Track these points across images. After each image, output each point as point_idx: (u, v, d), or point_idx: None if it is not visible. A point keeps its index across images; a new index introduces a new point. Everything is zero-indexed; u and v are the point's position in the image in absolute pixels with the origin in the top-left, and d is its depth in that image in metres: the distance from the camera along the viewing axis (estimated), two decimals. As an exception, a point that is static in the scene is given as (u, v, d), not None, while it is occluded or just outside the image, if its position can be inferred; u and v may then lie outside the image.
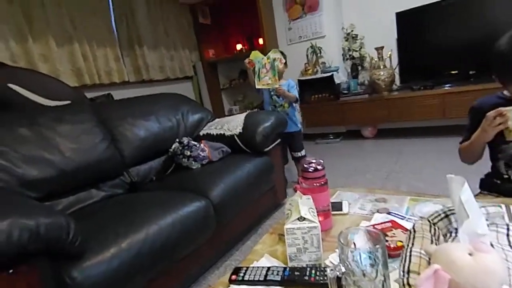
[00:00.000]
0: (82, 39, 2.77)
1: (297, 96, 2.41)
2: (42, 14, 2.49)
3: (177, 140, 1.79)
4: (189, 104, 2.26)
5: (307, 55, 3.78)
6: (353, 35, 3.70)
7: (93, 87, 2.83)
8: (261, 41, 3.90)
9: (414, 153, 2.87)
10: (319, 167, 0.83)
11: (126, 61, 3.26)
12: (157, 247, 1.14)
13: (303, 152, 2.55)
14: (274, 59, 2.21)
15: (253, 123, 1.93)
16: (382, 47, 3.36)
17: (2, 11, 2.26)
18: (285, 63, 2.43)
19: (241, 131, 1.89)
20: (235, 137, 1.90)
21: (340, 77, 3.70)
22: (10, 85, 1.60)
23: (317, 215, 0.76)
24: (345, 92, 3.68)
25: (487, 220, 0.54)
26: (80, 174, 1.47)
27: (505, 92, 0.99)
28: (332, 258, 0.70)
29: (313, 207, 0.74)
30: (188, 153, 1.72)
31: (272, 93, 2.42)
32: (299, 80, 3.76)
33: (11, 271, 0.79)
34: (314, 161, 0.84)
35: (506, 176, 0.98)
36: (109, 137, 1.67)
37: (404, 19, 3.22)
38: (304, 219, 0.67)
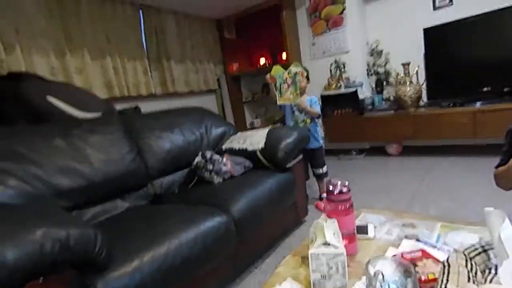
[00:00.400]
0: (114, 53, 2.91)
1: (319, 111, 2.39)
2: (79, 29, 2.64)
3: (201, 153, 1.82)
4: (212, 117, 2.30)
5: (330, 70, 3.77)
6: (378, 51, 3.67)
7: (121, 99, 2.94)
8: (284, 55, 3.94)
9: (442, 173, 2.75)
10: (344, 190, 0.81)
11: (153, 74, 3.38)
12: (178, 262, 1.14)
13: (324, 169, 2.52)
14: (296, 74, 2.22)
15: (275, 138, 1.93)
16: (409, 63, 3.30)
17: (43, 26, 2.40)
18: (308, 78, 2.43)
19: (263, 146, 1.89)
20: (258, 152, 1.90)
21: (364, 93, 3.65)
22: (49, 98, 1.69)
23: (342, 239, 0.75)
24: (369, 107, 3.61)
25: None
26: (107, 185, 1.52)
27: None
28: (358, 286, 0.67)
29: (338, 231, 0.73)
30: (211, 167, 1.74)
31: (294, 108, 2.42)
32: (322, 95, 3.75)
33: (41, 280, 0.82)
34: (339, 182, 0.83)
35: None
36: (136, 148, 1.73)
37: (431, 35, 3.15)
38: (329, 244, 0.65)
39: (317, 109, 2.38)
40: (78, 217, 1.37)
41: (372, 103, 3.67)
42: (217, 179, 1.75)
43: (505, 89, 2.82)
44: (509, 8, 2.76)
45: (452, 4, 3.22)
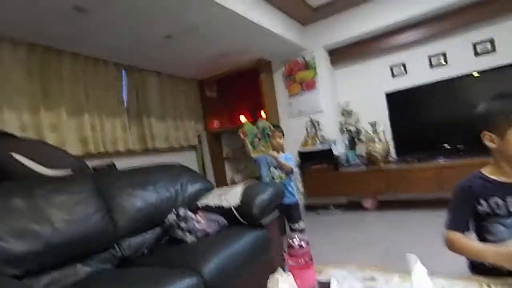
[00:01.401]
0: (92, 110, 2.90)
1: (293, 167, 2.50)
2: (59, 88, 2.63)
3: (174, 210, 1.82)
4: (189, 174, 2.33)
5: (306, 128, 3.99)
6: (348, 110, 3.97)
7: (97, 155, 2.89)
8: (263, 114, 4.17)
9: (416, 226, 2.81)
10: (303, 244, 0.86)
11: (132, 130, 3.38)
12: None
13: (301, 224, 2.53)
14: (264, 128, 2.39)
15: (251, 194, 1.96)
16: (375, 122, 3.57)
17: (21, 83, 2.37)
18: (283, 135, 2.58)
19: (238, 203, 1.92)
20: (233, 209, 1.92)
21: (338, 149, 3.83)
22: (13, 154, 1.64)
23: None
24: (344, 163, 3.77)
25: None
26: (68, 247, 1.42)
27: (483, 171, 1.03)
28: None
29: (294, 285, 0.76)
30: (184, 225, 1.72)
31: (269, 164, 2.51)
32: (299, 152, 3.90)
33: None
34: (298, 237, 0.88)
35: None
36: (105, 207, 1.67)
37: (393, 98, 3.49)
38: None
39: (290, 164, 2.49)
40: (27, 285, 1.26)
41: (347, 159, 3.85)
42: (190, 238, 1.72)
43: (459, 146, 3.08)
44: (458, 77, 3.15)
45: (406, 74, 3.64)
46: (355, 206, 3.72)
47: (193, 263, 1.45)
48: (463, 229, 1.03)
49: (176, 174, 2.20)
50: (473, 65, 3.19)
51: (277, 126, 2.66)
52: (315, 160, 3.80)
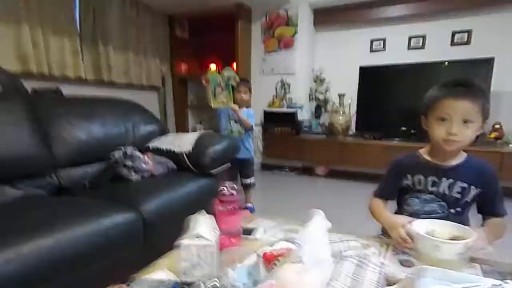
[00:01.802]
0: (34, 23, 2.54)
1: (253, 125, 2.48)
2: None
3: (121, 148, 1.74)
4: (143, 113, 2.22)
5: (276, 88, 3.93)
6: (321, 78, 3.94)
7: (40, 76, 2.63)
8: (235, 65, 4.01)
9: (357, 196, 2.99)
10: (234, 192, 0.87)
11: (85, 57, 3.06)
12: (67, 256, 1.07)
13: (252, 180, 2.58)
14: (229, 78, 2.29)
15: (204, 143, 1.92)
16: (344, 95, 3.60)
17: None
18: (249, 91, 2.51)
19: (190, 150, 1.88)
20: (184, 154, 1.88)
21: (304, 115, 3.86)
22: None
23: (228, 236, 0.83)
24: (306, 129, 3.83)
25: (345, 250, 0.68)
26: None
27: (421, 151, 1.09)
28: (230, 273, 0.72)
29: (216, 226, 0.78)
30: (130, 163, 1.67)
31: (231, 117, 2.46)
32: (265, 111, 3.88)
33: None
34: (228, 185, 0.89)
35: None
36: (41, 133, 1.56)
37: (366, 73, 3.49)
38: (201, 236, 0.70)
39: (251, 121, 2.46)
40: None
41: (310, 126, 3.90)
42: (135, 177, 1.68)
43: (412, 131, 3.23)
44: (431, 63, 3.20)
45: (385, 50, 3.63)
46: (308, 171, 3.87)
47: (134, 200, 1.43)
48: (387, 197, 1.14)
49: (129, 111, 2.09)
50: (447, 54, 3.25)
51: (244, 80, 2.58)
52: (279, 122, 3.81)
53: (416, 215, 1.04)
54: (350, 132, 3.68)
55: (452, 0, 3.18)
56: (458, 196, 0.98)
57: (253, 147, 2.65)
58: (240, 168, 2.55)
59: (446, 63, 3.14)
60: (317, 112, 3.94)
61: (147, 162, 1.74)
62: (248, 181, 2.56)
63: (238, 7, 3.69)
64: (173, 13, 4.01)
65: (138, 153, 1.74)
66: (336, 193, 3.18)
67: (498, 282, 0.54)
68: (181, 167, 1.90)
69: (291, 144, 3.75)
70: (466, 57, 3.10)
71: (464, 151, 1.02)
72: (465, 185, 0.97)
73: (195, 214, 0.80)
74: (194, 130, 4.32)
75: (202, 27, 4.25)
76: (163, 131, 2.24)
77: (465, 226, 0.83)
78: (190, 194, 1.72)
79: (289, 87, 3.86)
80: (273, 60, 3.94)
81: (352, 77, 3.58)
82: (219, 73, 2.37)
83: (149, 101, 3.91)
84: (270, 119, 3.85)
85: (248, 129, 2.47)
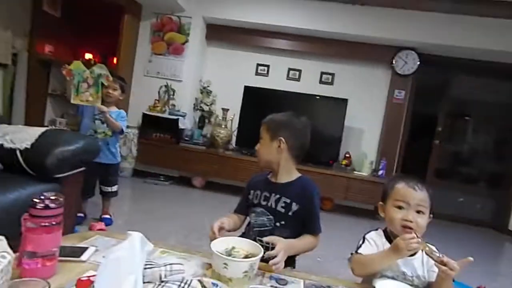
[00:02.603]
0: None
1: (123, 127, 2.24)
2: None
3: None
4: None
5: (159, 92, 3.73)
6: (208, 91, 3.95)
7: None
8: (115, 61, 3.62)
9: (231, 209, 3.07)
10: (52, 205, 0.72)
11: None
12: None
13: (114, 188, 2.31)
14: (100, 75, 2.03)
15: (51, 141, 1.59)
16: (228, 109, 3.70)
17: None
18: (123, 91, 2.27)
19: (28, 146, 1.52)
20: (18, 152, 1.51)
21: (186, 124, 3.77)
22: None
23: (39, 260, 0.70)
24: (187, 139, 3.73)
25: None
26: None
27: (269, 176, 1.19)
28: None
29: (8, 249, 0.63)
30: None
31: (96, 116, 2.16)
32: (144, 114, 3.62)
33: None
34: (47, 196, 0.73)
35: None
36: None
37: (250, 93, 3.70)
38: None
39: (122, 123, 2.21)
40: None
41: (192, 136, 3.83)
42: None
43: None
44: (305, 94, 3.63)
45: (268, 76, 3.95)
46: (185, 181, 3.76)
47: None
48: (240, 211, 1.23)
49: None
50: (317, 89, 3.76)
51: (119, 78, 2.30)
52: (159, 128, 3.61)
53: (252, 228, 1.14)
54: (231, 146, 3.78)
55: (322, 46, 3.74)
56: (283, 210, 1.09)
57: (121, 152, 2.38)
58: (101, 174, 2.24)
59: (318, 97, 3.64)
60: (201, 123, 3.92)
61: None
62: (109, 189, 2.28)
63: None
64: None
65: None
66: (211, 205, 3.17)
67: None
68: (12, 168, 1.52)
69: (170, 152, 3.58)
70: (330, 94, 3.66)
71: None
72: (288, 200, 1.09)
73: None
74: (52, 124, 3.63)
75: (83, 9, 3.69)
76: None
77: (257, 244, 0.89)
78: (19, 203, 1.37)
79: (173, 93, 3.72)
80: (160, 63, 3.74)
81: (237, 94, 3.73)
82: (88, 67, 2.05)
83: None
84: (150, 123, 3.61)
85: (117, 132, 2.21)
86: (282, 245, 0.93)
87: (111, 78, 2.09)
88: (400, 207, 0.95)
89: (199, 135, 3.84)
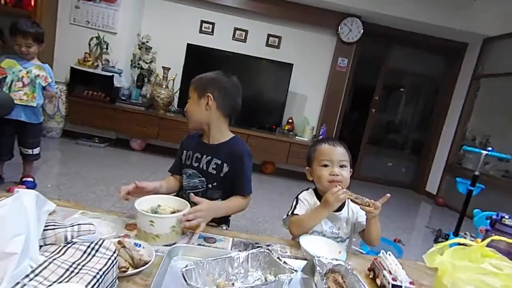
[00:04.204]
0: None
1: (52, 85, 2.04)
2: None
3: None
4: None
5: (89, 44, 3.32)
6: (147, 46, 3.63)
7: None
8: (33, 2, 3.08)
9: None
10: None
11: None
12: None
13: (36, 150, 2.07)
14: (37, 76, 1.90)
15: None
16: (169, 68, 3.47)
17: None
18: (41, 40, 1.95)
19: None
20: None
21: (122, 82, 3.47)
22: None
23: None
24: (124, 98, 3.46)
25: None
26: None
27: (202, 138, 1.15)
28: None
29: None
30: None
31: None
32: (73, 68, 3.22)
33: None
34: None
35: None
36: None
37: (193, 51, 3.48)
38: None
39: (53, 87, 2.02)
40: None
41: (129, 96, 3.55)
42: None
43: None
44: (251, 56, 3.52)
45: (213, 35, 3.74)
46: (123, 144, 3.54)
47: None
48: (175, 172, 1.19)
49: None
50: (263, 52, 3.68)
51: (32, 26, 1.87)
52: (91, 85, 3.27)
53: (185, 190, 1.11)
54: (172, 108, 3.61)
55: (269, 6, 3.61)
56: (214, 172, 1.07)
57: (47, 110, 2.16)
58: (20, 135, 1.99)
59: (264, 60, 3.57)
60: (140, 81, 3.64)
61: None
62: (30, 151, 2.04)
63: None
64: None
65: None
66: (150, 168, 3.05)
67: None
68: None
69: (104, 112, 3.30)
70: (276, 58, 3.62)
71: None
72: (219, 161, 1.07)
73: None
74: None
75: None
76: None
77: (184, 201, 0.90)
78: None
79: (107, 47, 3.35)
80: (89, 11, 3.30)
81: (179, 52, 3.49)
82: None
83: None
84: (80, 79, 3.25)
85: (46, 89, 1.99)
86: (204, 205, 0.91)
87: (49, 80, 1.96)
88: (325, 165, 1.02)
89: (137, 95, 3.58)
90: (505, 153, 2.35)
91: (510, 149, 3.06)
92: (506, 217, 1.02)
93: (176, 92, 3.55)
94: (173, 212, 0.86)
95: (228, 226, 1.18)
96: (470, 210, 2.28)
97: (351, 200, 0.95)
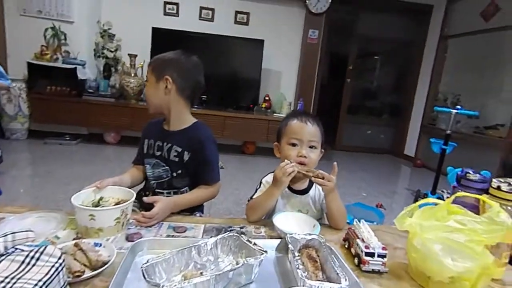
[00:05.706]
0: None
1: (8, 83, 1.89)
2: None
3: None
4: None
5: (45, 36, 3.10)
6: (110, 34, 3.43)
7: None
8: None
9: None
10: None
11: None
12: None
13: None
14: None
15: None
16: (136, 55, 3.30)
17: None
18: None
19: None
20: None
21: (87, 74, 3.29)
22: None
23: None
24: (91, 91, 3.29)
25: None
26: None
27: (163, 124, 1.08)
28: None
29: None
30: None
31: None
32: (30, 63, 3.01)
33: None
34: None
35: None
36: None
37: (159, 35, 3.32)
38: None
39: (5, 81, 1.87)
40: None
41: (97, 87, 3.39)
42: None
43: (203, 97, 3.42)
44: (219, 35, 3.39)
45: (178, 16, 3.56)
46: (97, 138, 3.41)
47: None
48: (138, 162, 1.13)
49: None
50: (231, 30, 3.55)
51: None
52: (52, 79, 3.09)
53: (150, 181, 1.07)
54: (143, 97, 3.46)
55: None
56: (176, 159, 1.02)
57: (7, 111, 2.02)
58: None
59: (234, 39, 3.44)
60: (106, 72, 3.46)
61: None
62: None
63: None
64: None
65: None
66: (126, 161, 2.93)
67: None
68: None
69: (71, 107, 3.14)
70: (246, 35, 3.50)
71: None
72: (179, 149, 1.02)
73: None
74: None
75: None
76: None
77: (130, 190, 0.86)
78: None
79: (65, 37, 3.14)
80: (40, -1, 3.05)
81: (144, 38, 3.32)
82: None
83: None
84: (39, 74, 3.05)
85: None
86: (156, 209, 0.85)
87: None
88: (294, 144, 0.94)
89: (106, 86, 3.42)
90: (474, 111, 2.40)
91: (479, 105, 3.15)
92: (471, 172, 1.03)
93: (146, 79, 3.40)
94: (118, 203, 0.81)
95: (202, 213, 1.15)
96: (445, 168, 2.35)
97: (303, 174, 0.89)
